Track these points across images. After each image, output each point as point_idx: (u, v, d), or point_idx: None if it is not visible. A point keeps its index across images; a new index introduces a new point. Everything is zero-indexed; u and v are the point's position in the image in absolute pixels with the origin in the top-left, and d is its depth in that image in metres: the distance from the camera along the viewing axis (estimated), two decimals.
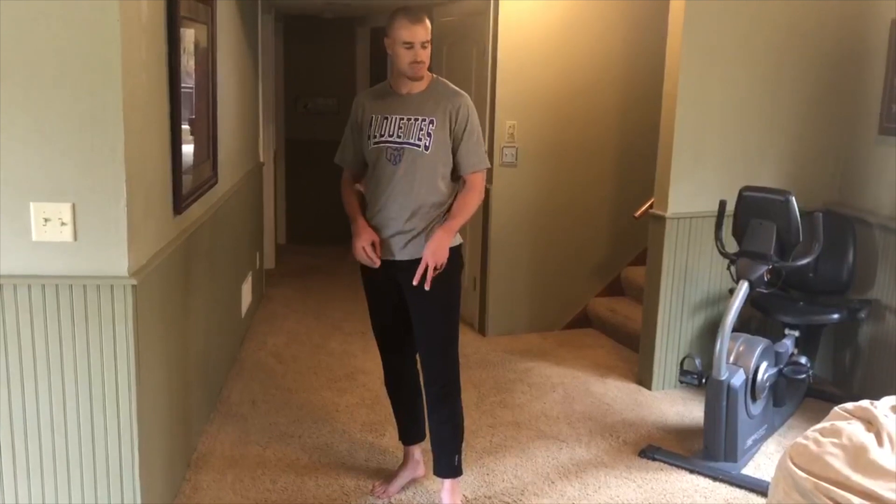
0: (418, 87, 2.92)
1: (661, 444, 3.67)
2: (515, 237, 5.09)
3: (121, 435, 2.48)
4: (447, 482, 3.10)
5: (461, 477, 3.14)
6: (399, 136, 2.88)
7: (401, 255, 2.92)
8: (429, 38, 2.84)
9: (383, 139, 2.91)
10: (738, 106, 4.19)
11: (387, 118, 2.91)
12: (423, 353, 3.04)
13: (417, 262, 2.88)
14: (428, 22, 2.85)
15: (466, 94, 2.96)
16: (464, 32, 5.25)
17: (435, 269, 2.83)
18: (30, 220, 2.33)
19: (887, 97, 4.07)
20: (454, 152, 2.92)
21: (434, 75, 2.99)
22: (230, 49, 4.28)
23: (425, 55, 2.84)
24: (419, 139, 2.87)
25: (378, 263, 2.93)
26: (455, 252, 2.95)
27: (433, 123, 2.87)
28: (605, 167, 5.21)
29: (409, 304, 2.98)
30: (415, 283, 2.84)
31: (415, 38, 2.80)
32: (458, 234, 2.98)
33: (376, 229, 2.94)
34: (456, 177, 2.97)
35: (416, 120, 2.88)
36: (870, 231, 4.15)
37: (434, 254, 2.83)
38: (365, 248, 2.90)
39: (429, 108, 2.89)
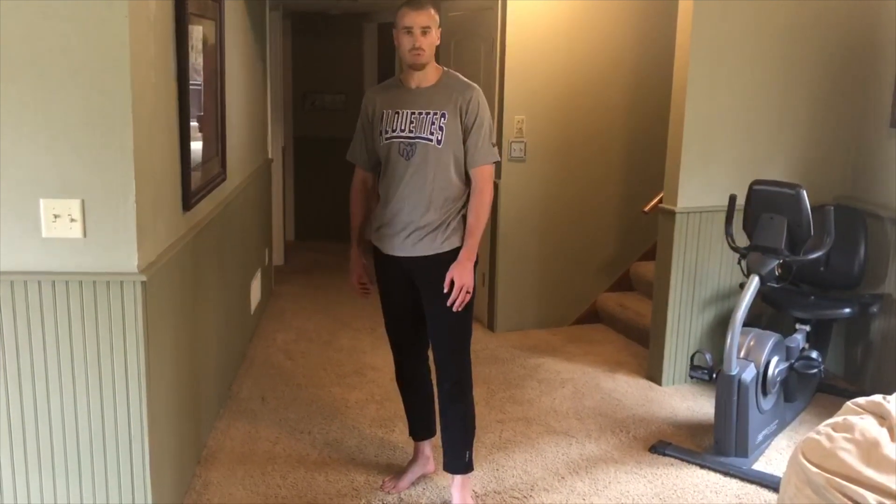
0: (429, 80, 2.90)
1: (671, 440, 3.66)
2: (524, 232, 5.08)
3: (131, 431, 2.48)
4: (457, 478, 3.10)
5: (471, 473, 3.14)
6: (411, 131, 2.87)
7: (416, 250, 2.92)
8: (430, 25, 2.81)
9: (395, 134, 2.89)
10: (748, 100, 4.16)
11: (398, 113, 2.90)
12: (435, 350, 3.03)
13: (432, 257, 2.89)
14: (432, 11, 2.83)
15: (478, 87, 2.94)
16: (472, 28, 5.24)
17: (467, 292, 2.85)
18: (39, 216, 2.34)
19: None
20: (464, 144, 2.91)
21: (445, 68, 2.97)
22: (238, 46, 4.28)
23: (425, 42, 2.81)
24: (431, 133, 2.85)
25: (369, 293, 3.14)
26: None
27: (444, 116, 2.85)
28: (614, 162, 5.19)
29: (423, 301, 2.98)
30: (448, 304, 2.84)
31: (414, 22, 2.79)
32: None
33: (392, 225, 2.93)
34: None
35: (428, 114, 2.86)
36: (881, 225, 4.12)
37: (461, 277, 2.83)
38: (356, 285, 3.14)
39: (440, 101, 2.87)
